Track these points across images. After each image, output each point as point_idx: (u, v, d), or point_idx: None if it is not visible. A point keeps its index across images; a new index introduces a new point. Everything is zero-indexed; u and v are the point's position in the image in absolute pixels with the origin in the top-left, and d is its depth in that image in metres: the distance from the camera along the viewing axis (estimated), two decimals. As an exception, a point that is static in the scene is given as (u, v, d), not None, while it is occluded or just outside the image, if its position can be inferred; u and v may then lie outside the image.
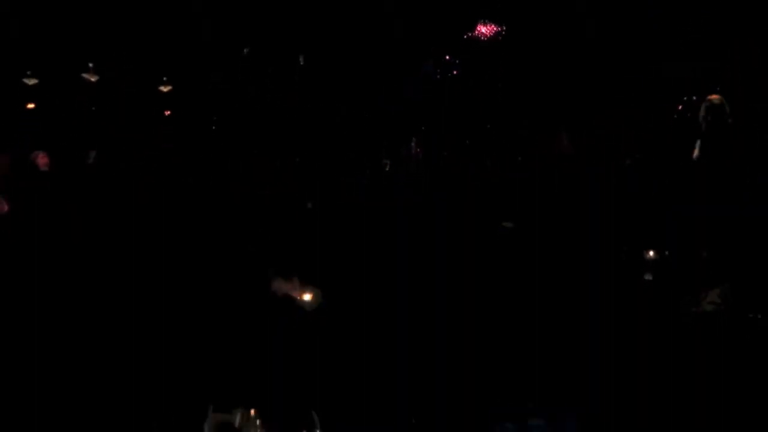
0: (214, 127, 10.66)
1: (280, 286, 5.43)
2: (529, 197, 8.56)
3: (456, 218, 7.71)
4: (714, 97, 8.48)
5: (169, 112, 10.68)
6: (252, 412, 4.03)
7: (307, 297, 5.42)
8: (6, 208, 5.99)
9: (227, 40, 11.06)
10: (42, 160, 6.62)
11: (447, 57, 11.31)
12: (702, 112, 8.43)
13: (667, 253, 6.28)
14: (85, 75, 10.38)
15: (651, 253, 6.18)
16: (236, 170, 9.74)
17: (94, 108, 10.33)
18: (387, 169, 10.38)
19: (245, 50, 10.99)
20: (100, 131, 10.07)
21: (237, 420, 3.99)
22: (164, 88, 10.71)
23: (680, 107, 10.17)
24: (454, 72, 11.31)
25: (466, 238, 7.22)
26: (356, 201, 9.07)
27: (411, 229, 7.53)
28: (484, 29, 11.21)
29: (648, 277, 6.13)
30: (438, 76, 11.10)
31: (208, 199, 7.97)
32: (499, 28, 11.17)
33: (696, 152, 8.10)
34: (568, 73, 10.75)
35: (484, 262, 6.66)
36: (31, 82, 10.13)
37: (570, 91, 10.70)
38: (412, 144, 10.53)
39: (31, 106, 9.96)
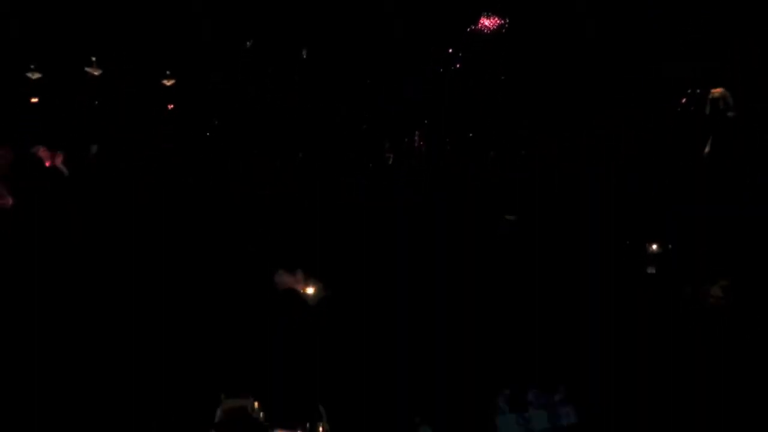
0: (216, 122, 10.63)
1: (284, 279, 5.43)
2: (529, 197, 8.57)
3: (456, 218, 7.71)
4: (717, 90, 8.48)
5: (172, 106, 10.62)
6: (256, 404, 4.03)
7: (310, 290, 5.43)
8: (10, 201, 5.98)
9: (227, 39, 11.04)
10: (44, 154, 6.60)
11: (450, 50, 11.27)
12: (708, 107, 8.43)
13: (669, 246, 6.29)
14: (88, 69, 10.32)
15: (654, 246, 6.19)
16: (236, 170, 9.73)
17: (97, 102, 10.28)
18: (390, 162, 10.36)
19: (248, 43, 10.93)
20: (103, 128, 10.05)
21: (249, 406, 3.99)
22: (167, 82, 10.63)
23: (684, 100, 10.17)
24: (457, 65, 11.26)
25: (465, 237, 7.22)
26: (356, 201, 9.07)
27: (411, 229, 7.54)
28: (487, 22, 11.16)
29: (651, 270, 6.13)
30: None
31: (208, 199, 7.96)
32: (503, 21, 11.11)
33: (707, 148, 8.08)
34: (568, 73, 10.74)
35: (484, 260, 6.66)
36: (35, 76, 10.07)
37: (570, 91, 10.69)
38: (416, 137, 10.50)
39: (34, 100, 9.90)
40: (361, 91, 11.15)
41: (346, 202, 8.80)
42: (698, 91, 9.94)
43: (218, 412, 4.05)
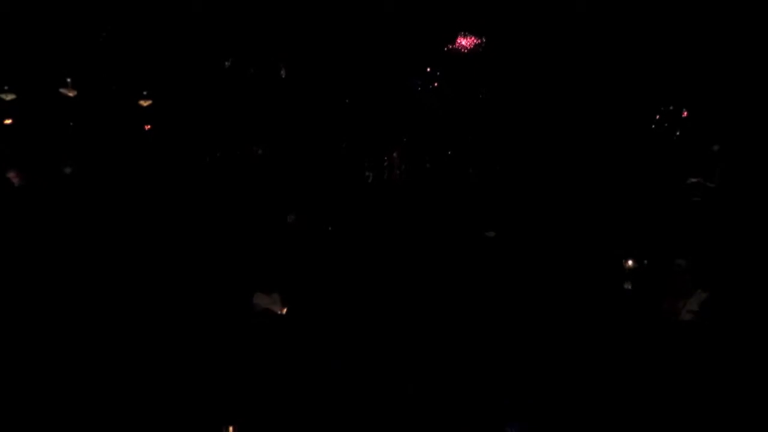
0: (216, 120, 10.64)
1: (260, 299, 5.48)
2: (524, 200, 8.58)
3: (448, 224, 7.71)
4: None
5: (149, 127, 10.64)
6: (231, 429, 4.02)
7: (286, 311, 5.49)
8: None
9: (225, 40, 11.07)
10: (18, 175, 6.59)
11: (428, 69, 11.44)
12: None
13: (645, 262, 6.24)
14: (62, 90, 10.28)
15: (630, 262, 6.15)
16: (236, 170, 9.75)
17: (72, 123, 10.27)
18: (369, 181, 10.44)
19: (227, 63, 11.01)
20: (98, 133, 10.08)
21: None
22: (144, 103, 10.61)
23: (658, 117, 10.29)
24: (435, 84, 11.45)
25: (458, 243, 7.22)
26: (356, 200, 9.07)
27: (411, 230, 7.54)
28: (464, 42, 11.33)
29: (627, 286, 6.08)
30: (419, 89, 11.21)
31: (207, 203, 7.94)
32: (479, 41, 11.28)
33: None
34: (568, 72, 10.76)
35: (481, 265, 6.64)
36: (9, 97, 10.02)
37: (569, 91, 10.71)
38: (394, 155, 10.63)
39: (8, 121, 9.87)
40: (361, 91, 11.20)
41: (347, 202, 8.80)
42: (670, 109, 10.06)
43: None
